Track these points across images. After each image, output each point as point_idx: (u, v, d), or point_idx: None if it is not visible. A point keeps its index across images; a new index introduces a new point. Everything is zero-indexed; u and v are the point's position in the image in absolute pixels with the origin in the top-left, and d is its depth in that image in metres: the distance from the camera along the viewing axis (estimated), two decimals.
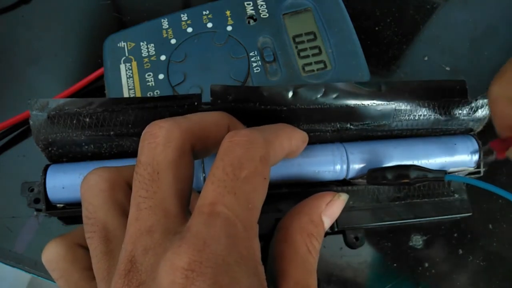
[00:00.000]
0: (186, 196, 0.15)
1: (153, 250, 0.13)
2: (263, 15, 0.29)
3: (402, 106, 0.23)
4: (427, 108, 0.23)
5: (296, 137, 0.18)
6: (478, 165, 0.24)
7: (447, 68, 0.32)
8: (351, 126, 0.23)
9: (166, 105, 0.21)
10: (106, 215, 0.16)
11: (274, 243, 0.17)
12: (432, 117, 0.23)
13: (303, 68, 0.28)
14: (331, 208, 0.18)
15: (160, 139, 0.15)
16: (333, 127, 0.23)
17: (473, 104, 0.23)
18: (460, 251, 0.26)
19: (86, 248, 0.17)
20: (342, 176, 0.24)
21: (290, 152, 0.18)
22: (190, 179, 0.16)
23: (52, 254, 0.17)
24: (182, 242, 0.13)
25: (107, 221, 0.16)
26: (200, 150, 0.17)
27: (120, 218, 0.16)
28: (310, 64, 0.28)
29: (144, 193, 0.14)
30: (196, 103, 0.21)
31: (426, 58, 0.32)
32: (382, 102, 0.22)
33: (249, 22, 0.29)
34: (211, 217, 0.13)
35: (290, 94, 0.21)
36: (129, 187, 0.16)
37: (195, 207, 0.14)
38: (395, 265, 0.25)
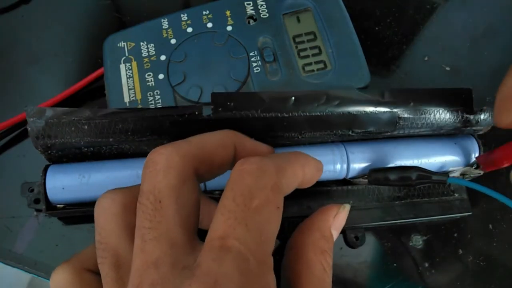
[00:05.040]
0: (193, 223, 0.15)
1: (161, 286, 0.13)
2: (263, 15, 0.29)
3: (406, 114, 0.22)
4: (431, 117, 0.23)
5: (310, 165, 0.17)
6: (477, 164, 0.24)
7: (447, 68, 0.32)
8: (353, 134, 0.23)
9: (166, 114, 0.21)
10: (118, 240, 0.15)
11: (286, 262, 0.17)
12: (436, 125, 0.23)
13: (303, 68, 0.28)
14: (338, 221, 0.17)
15: (160, 166, 0.15)
16: (335, 134, 0.22)
17: (478, 114, 0.23)
18: (460, 251, 0.26)
19: (95, 273, 0.17)
20: (342, 175, 0.24)
21: (305, 181, 0.17)
22: (196, 205, 0.15)
23: (60, 281, 0.17)
24: (192, 281, 0.12)
25: (119, 246, 0.15)
26: (206, 173, 0.16)
27: (132, 242, 0.15)
28: (310, 64, 0.28)
29: (148, 224, 0.14)
30: (196, 113, 0.21)
31: (426, 58, 0.32)
32: (385, 110, 0.22)
33: (249, 22, 0.29)
34: (222, 252, 0.12)
35: (292, 101, 0.21)
36: None
37: (206, 240, 0.13)
38: (395, 265, 0.25)
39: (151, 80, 0.27)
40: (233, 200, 0.13)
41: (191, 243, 0.14)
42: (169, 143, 0.16)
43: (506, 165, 0.22)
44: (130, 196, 0.16)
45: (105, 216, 0.16)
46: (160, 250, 0.13)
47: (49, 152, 0.22)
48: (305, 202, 0.24)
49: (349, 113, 0.22)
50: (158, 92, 0.27)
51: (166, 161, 0.15)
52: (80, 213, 0.23)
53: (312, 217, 0.18)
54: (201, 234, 0.15)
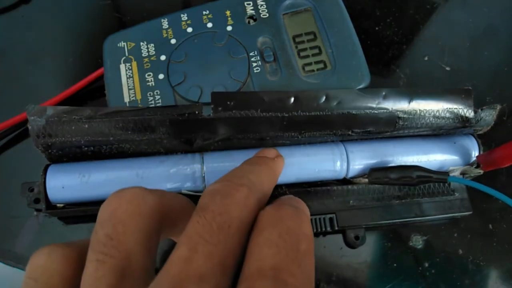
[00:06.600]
0: (240, 260, 0.13)
1: None
2: (263, 15, 0.29)
3: (405, 114, 0.22)
4: (431, 117, 0.23)
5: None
6: (478, 164, 0.24)
7: (447, 68, 0.32)
8: (353, 134, 0.23)
9: (166, 114, 0.21)
10: (136, 244, 0.13)
11: None
12: (436, 125, 0.23)
13: (303, 68, 0.28)
14: None
15: (239, 199, 0.14)
16: (334, 134, 0.22)
17: (478, 113, 0.23)
18: (460, 251, 0.26)
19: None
20: (342, 175, 0.24)
21: None
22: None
23: (48, 263, 0.13)
24: None
25: (134, 252, 0.13)
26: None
27: (148, 255, 0.13)
28: (310, 64, 0.28)
29: (207, 236, 0.12)
30: (196, 112, 0.21)
31: (426, 58, 0.32)
32: (385, 110, 0.22)
33: (249, 22, 0.29)
34: (278, 283, 0.11)
35: (292, 100, 0.21)
36: (169, 220, 0.15)
37: (248, 269, 0.12)
38: (395, 265, 0.25)
39: (151, 80, 0.27)
40: (280, 236, 0.12)
41: (233, 275, 0.13)
42: (242, 179, 0.15)
43: (506, 164, 0.22)
44: (165, 202, 0.15)
45: (130, 211, 0.13)
46: (209, 267, 0.12)
47: (50, 151, 0.22)
48: (305, 201, 0.24)
49: (348, 113, 0.22)
50: (158, 92, 0.27)
51: (244, 201, 0.14)
52: (80, 212, 0.23)
53: None
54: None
